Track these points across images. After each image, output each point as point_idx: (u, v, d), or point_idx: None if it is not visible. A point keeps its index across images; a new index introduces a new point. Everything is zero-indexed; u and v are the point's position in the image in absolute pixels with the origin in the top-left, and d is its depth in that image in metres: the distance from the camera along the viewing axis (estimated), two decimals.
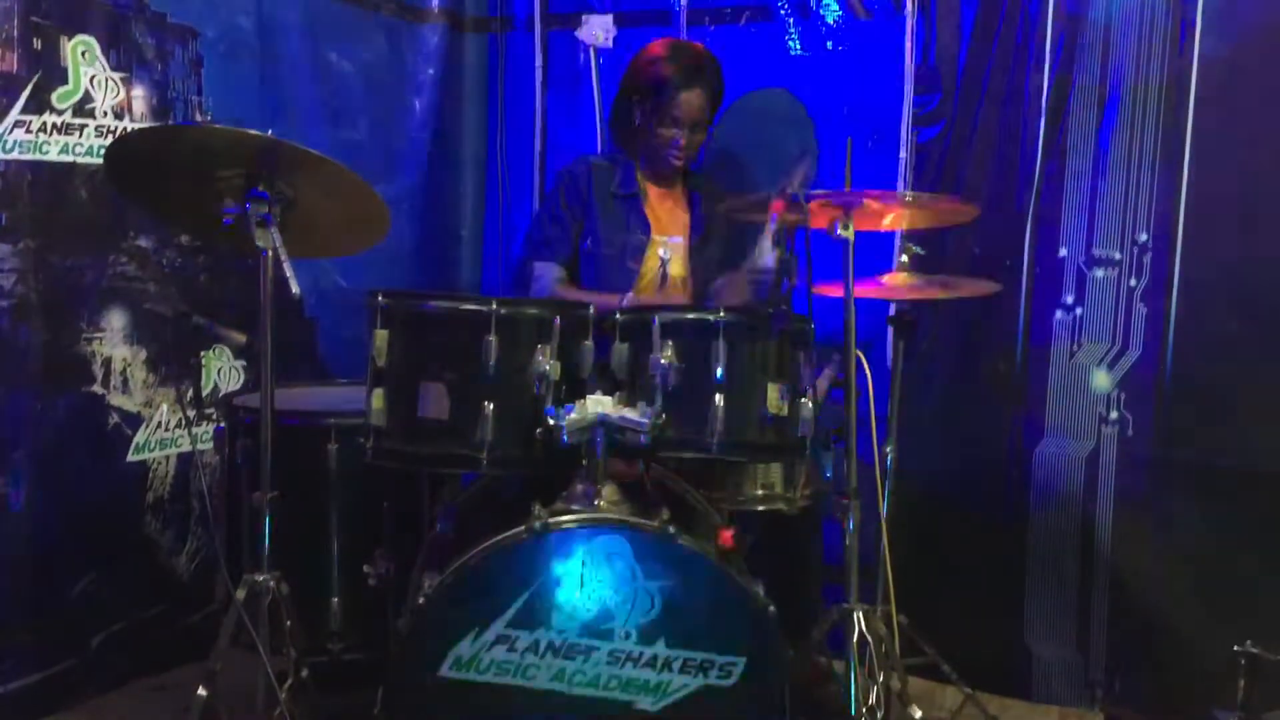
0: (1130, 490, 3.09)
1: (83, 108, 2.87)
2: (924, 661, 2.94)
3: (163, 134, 2.66)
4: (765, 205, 2.46)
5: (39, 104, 2.77)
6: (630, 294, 2.97)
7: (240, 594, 2.29)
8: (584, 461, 2.30)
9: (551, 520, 2.22)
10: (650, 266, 3.16)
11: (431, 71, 3.82)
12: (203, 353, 3.23)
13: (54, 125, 2.81)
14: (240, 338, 2.51)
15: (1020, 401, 3.22)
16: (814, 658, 2.79)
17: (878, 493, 2.81)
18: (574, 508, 2.28)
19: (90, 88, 2.89)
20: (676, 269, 3.19)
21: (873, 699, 2.40)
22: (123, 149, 2.47)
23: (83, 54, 2.87)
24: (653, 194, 3.20)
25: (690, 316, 2.42)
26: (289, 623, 2.34)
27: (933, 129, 3.27)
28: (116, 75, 2.95)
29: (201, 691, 2.27)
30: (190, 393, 3.21)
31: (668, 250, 3.17)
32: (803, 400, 2.39)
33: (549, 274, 3.09)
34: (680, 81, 3.03)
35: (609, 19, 3.71)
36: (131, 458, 3.09)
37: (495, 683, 2.20)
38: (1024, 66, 3.15)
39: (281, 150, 2.25)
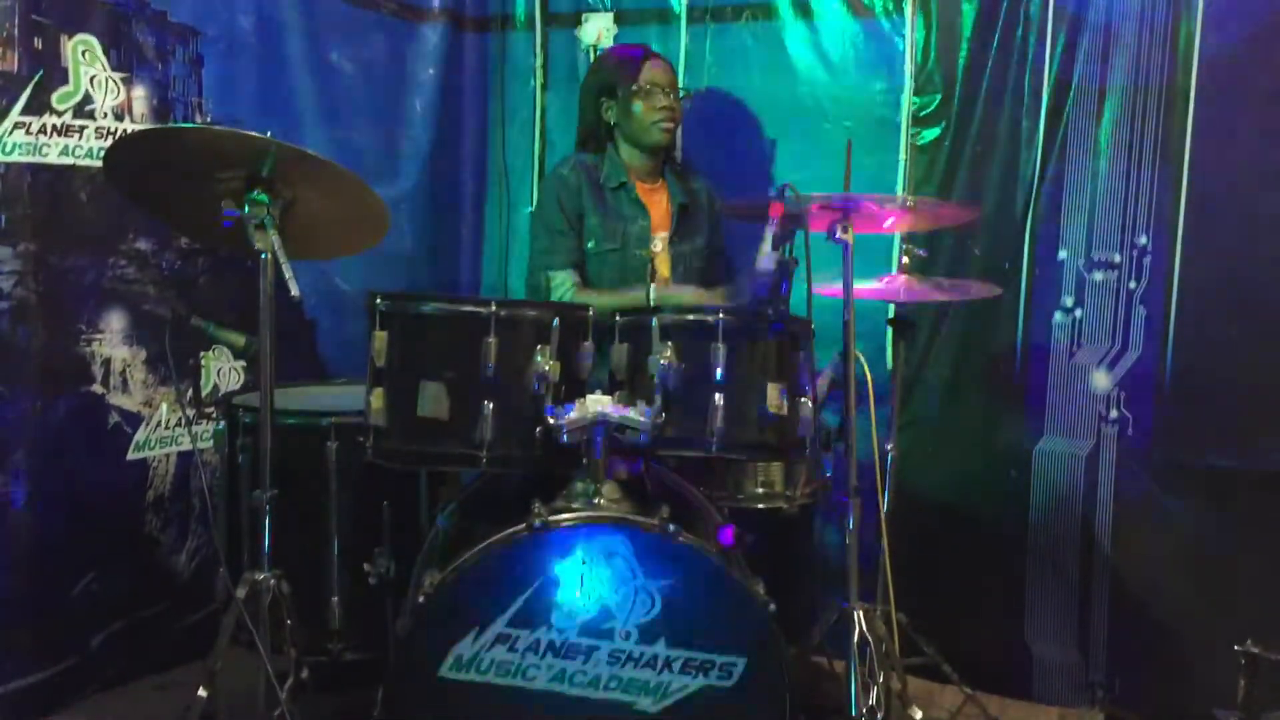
0: (1130, 490, 3.09)
1: (83, 109, 2.87)
2: (924, 661, 2.95)
3: (162, 135, 2.66)
4: (764, 208, 2.46)
5: (39, 105, 2.77)
6: (653, 286, 2.94)
7: (240, 593, 2.29)
8: (584, 460, 2.30)
9: (551, 518, 2.22)
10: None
11: (431, 71, 3.81)
12: (202, 353, 3.24)
13: (54, 127, 2.81)
14: (239, 339, 2.51)
15: (1020, 401, 3.22)
16: (813, 657, 2.80)
17: (878, 492, 2.81)
18: (574, 506, 2.28)
19: (90, 88, 2.89)
20: (663, 268, 3.18)
21: (873, 699, 2.40)
22: (122, 150, 2.47)
23: (83, 54, 2.86)
24: (640, 188, 3.19)
25: (690, 317, 2.41)
26: (289, 622, 2.34)
27: (933, 130, 3.27)
28: (117, 75, 2.95)
29: (202, 691, 2.27)
30: (190, 392, 3.21)
31: (659, 243, 3.17)
32: (803, 400, 2.39)
33: (568, 280, 3.07)
34: (642, 55, 3.18)
35: (609, 18, 3.71)
36: (132, 456, 3.09)
37: (495, 683, 2.20)
38: (1024, 66, 3.15)
39: (281, 151, 2.25)
